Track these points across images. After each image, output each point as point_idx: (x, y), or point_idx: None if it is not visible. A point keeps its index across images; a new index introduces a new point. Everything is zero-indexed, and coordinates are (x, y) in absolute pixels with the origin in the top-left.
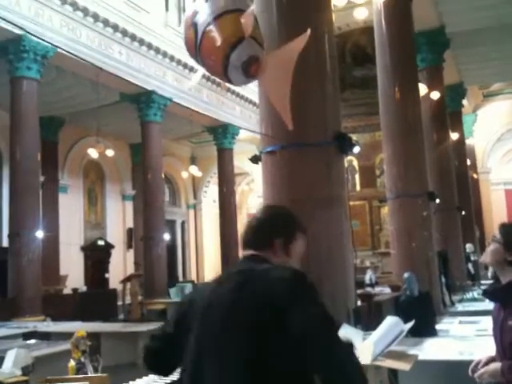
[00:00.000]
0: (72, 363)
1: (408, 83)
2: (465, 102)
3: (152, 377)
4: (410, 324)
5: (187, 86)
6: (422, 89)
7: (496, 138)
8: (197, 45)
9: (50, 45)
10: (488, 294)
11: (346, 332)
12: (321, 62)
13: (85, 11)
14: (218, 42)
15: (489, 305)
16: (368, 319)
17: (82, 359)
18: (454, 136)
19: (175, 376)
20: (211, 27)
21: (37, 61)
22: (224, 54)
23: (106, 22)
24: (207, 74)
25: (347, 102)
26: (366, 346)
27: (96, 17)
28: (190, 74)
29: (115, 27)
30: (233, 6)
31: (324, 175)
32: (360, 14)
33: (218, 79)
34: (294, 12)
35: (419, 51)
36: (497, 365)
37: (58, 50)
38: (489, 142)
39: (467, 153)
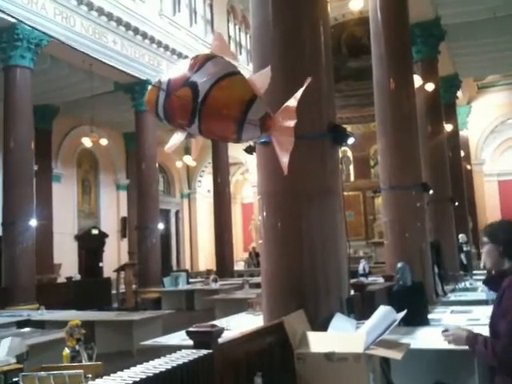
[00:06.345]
0: (66, 351)
1: (403, 74)
2: (459, 93)
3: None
4: (402, 313)
5: (166, 147)
6: (417, 80)
7: (490, 129)
8: (197, 104)
9: (43, 33)
10: (486, 282)
11: (340, 321)
12: (316, 54)
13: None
14: (232, 99)
15: (481, 294)
16: (361, 309)
17: (77, 347)
18: (448, 127)
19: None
20: (215, 88)
21: (30, 49)
22: (240, 109)
23: (100, 11)
24: (188, 137)
25: (342, 92)
26: (358, 335)
27: (90, 5)
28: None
29: (110, 16)
30: (229, 70)
31: (318, 167)
32: (355, 6)
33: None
34: (289, 3)
35: (414, 43)
36: (463, 332)
37: (52, 38)
38: (483, 133)
39: (461, 144)
